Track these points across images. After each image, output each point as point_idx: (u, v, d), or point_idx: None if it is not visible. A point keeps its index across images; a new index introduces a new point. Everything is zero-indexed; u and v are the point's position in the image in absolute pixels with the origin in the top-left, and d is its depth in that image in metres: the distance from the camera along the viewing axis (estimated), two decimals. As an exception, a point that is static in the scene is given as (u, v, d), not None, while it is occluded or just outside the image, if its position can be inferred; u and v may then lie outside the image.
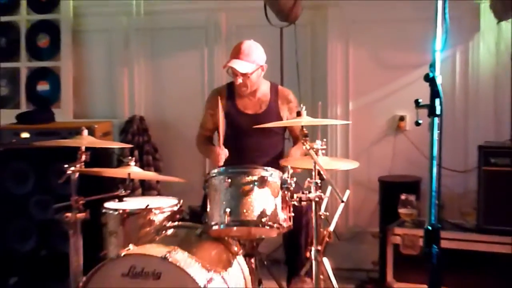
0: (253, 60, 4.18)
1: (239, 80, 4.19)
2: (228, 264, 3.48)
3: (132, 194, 4.10)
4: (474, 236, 4.17)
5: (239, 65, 4.15)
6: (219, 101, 4.16)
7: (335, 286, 3.60)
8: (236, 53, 4.21)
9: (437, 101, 2.16)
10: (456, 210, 4.81)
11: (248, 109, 4.35)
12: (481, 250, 4.12)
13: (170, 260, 3.10)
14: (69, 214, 3.77)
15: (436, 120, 2.15)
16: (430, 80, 2.17)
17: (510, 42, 4.76)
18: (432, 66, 2.18)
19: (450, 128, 4.87)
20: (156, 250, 3.23)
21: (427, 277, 2.08)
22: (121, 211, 3.78)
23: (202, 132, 4.52)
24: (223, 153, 4.15)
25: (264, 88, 4.37)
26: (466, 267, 4.12)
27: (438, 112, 2.15)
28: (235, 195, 3.41)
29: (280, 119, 4.30)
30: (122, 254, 3.20)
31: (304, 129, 3.49)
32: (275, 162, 4.01)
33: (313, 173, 3.45)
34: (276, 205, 3.45)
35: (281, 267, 4.57)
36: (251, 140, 4.26)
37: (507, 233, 4.07)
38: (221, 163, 4.09)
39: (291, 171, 3.54)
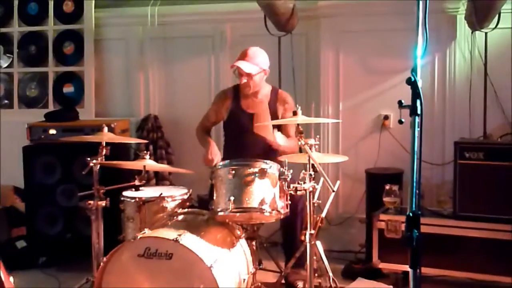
0: (257, 63, 4.19)
1: (244, 79, 4.19)
2: (232, 246, 3.48)
3: (147, 184, 4.09)
4: (450, 222, 4.15)
5: (244, 65, 4.15)
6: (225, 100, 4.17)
7: (326, 266, 3.60)
8: (243, 55, 4.22)
9: (418, 102, 2.14)
10: (434, 199, 4.81)
11: (250, 109, 4.35)
12: (456, 235, 4.11)
13: (180, 242, 3.10)
14: (91, 202, 3.78)
15: (417, 118, 2.13)
16: (411, 83, 2.16)
17: (483, 50, 4.75)
18: (414, 71, 2.16)
19: (429, 126, 4.86)
20: (168, 233, 3.23)
21: (408, 258, 2.06)
22: (137, 199, 3.78)
23: (204, 122, 4.53)
24: (216, 158, 4.17)
25: (265, 91, 4.37)
26: (443, 249, 4.10)
27: (419, 111, 2.14)
28: (238, 185, 3.41)
29: (277, 118, 4.30)
30: (138, 237, 3.20)
31: (300, 127, 3.49)
32: (272, 156, 4.01)
33: (308, 165, 3.45)
34: (274, 194, 3.45)
35: (278, 249, 4.57)
36: (251, 136, 4.26)
37: (479, 219, 4.05)
38: (211, 164, 4.10)
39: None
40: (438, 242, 4.10)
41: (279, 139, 3.99)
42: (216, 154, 4.21)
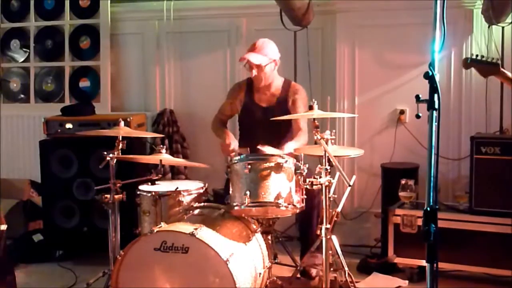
0: (266, 53, 4.18)
1: (254, 72, 4.19)
2: (248, 240, 3.49)
3: (163, 178, 4.10)
4: (466, 217, 4.14)
5: (253, 57, 4.15)
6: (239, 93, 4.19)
7: (342, 260, 3.60)
8: (251, 48, 4.24)
9: (435, 96, 2.14)
10: (450, 193, 4.80)
11: (263, 102, 4.36)
12: (472, 229, 4.10)
13: (197, 236, 3.11)
14: (108, 195, 3.81)
15: (435, 113, 2.13)
16: (429, 77, 2.15)
17: (500, 44, 4.72)
18: (431, 65, 2.15)
19: (446, 120, 4.83)
20: (184, 227, 3.25)
21: (423, 252, 2.06)
22: (153, 193, 3.80)
23: (219, 115, 4.52)
24: (233, 144, 4.16)
25: (277, 83, 4.36)
26: (459, 244, 4.09)
27: (436, 106, 2.13)
28: (254, 179, 3.42)
29: (288, 111, 4.29)
30: (155, 231, 3.22)
31: (316, 121, 3.49)
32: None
33: (323, 160, 3.45)
34: (290, 188, 3.46)
35: (294, 243, 4.58)
36: (265, 129, 4.26)
37: (495, 214, 4.04)
38: (228, 150, 4.10)
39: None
40: (454, 236, 4.09)
41: (271, 151, 3.91)
42: (233, 139, 4.20)
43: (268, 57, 4.19)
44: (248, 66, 4.22)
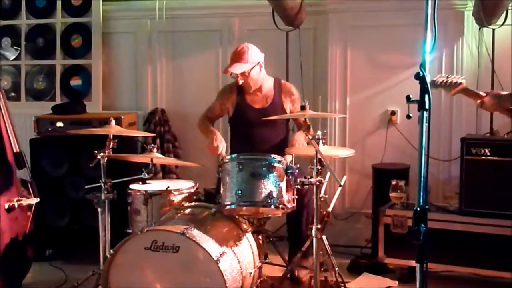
0: (247, 60, 4.16)
1: (240, 80, 4.20)
2: (239, 239, 3.50)
3: (154, 177, 4.10)
4: (456, 217, 4.16)
5: (235, 68, 4.15)
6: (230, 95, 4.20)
7: (332, 260, 3.61)
8: (233, 57, 4.21)
9: (426, 96, 2.15)
10: (441, 194, 4.82)
11: (256, 104, 4.36)
12: (462, 230, 4.12)
13: (187, 235, 3.12)
14: (98, 194, 3.80)
15: (425, 113, 2.14)
16: (420, 78, 2.17)
17: (490, 46, 4.74)
18: (422, 66, 2.17)
19: (436, 122, 4.85)
20: (175, 226, 3.26)
21: (414, 253, 2.07)
22: (144, 192, 3.80)
23: (208, 114, 4.51)
24: (221, 146, 4.15)
25: (268, 84, 4.37)
26: (449, 245, 4.11)
27: (427, 106, 2.15)
28: (245, 178, 3.43)
29: (284, 111, 4.31)
30: (145, 230, 3.22)
31: (307, 121, 3.50)
32: (280, 150, 4.02)
33: (314, 160, 3.46)
34: (281, 188, 3.46)
35: (285, 243, 4.58)
36: (258, 131, 4.27)
37: (485, 215, 4.06)
38: (216, 152, 4.10)
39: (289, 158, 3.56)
40: (444, 237, 4.11)
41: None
42: (221, 141, 4.18)
43: (250, 62, 4.18)
44: (234, 75, 4.22)
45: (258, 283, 3.64)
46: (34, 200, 4.11)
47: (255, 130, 4.29)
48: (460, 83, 3.69)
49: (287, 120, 4.44)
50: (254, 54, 4.21)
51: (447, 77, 3.76)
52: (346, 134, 5.18)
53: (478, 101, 3.85)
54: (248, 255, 3.51)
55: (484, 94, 3.69)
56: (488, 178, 4.09)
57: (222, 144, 4.16)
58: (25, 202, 4.04)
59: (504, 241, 3.99)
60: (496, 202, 4.05)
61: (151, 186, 3.89)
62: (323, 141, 3.52)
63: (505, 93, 3.67)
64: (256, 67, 4.21)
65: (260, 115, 4.21)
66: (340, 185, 3.39)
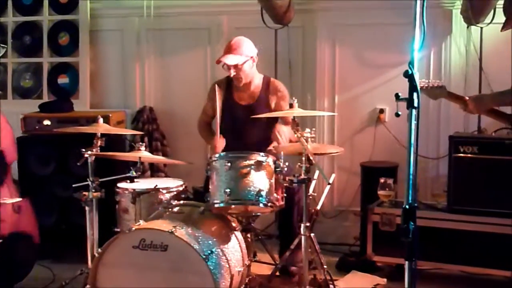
0: (241, 52, 4.18)
1: (232, 72, 4.19)
2: (227, 238, 3.50)
3: (142, 175, 4.09)
4: (444, 215, 4.17)
5: (229, 59, 4.15)
6: (217, 93, 4.18)
7: (321, 258, 3.62)
8: (227, 49, 4.23)
9: (415, 94, 2.16)
10: (429, 192, 4.84)
11: (243, 101, 4.36)
12: (450, 228, 4.13)
13: (176, 234, 3.11)
14: (86, 193, 3.79)
15: (414, 111, 2.15)
16: (409, 76, 2.17)
17: (478, 44, 4.76)
18: (411, 63, 2.17)
19: (425, 120, 4.87)
20: (163, 225, 3.24)
21: (402, 250, 2.08)
22: (132, 191, 3.79)
23: (203, 117, 4.54)
24: (222, 143, 4.16)
25: (257, 81, 4.37)
26: (437, 243, 4.13)
27: (416, 104, 2.15)
28: (234, 177, 3.42)
29: (270, 108, 4.30)
30: (133, 229, 3.21)
31: (296, 119, 3.50)
32: (267, 147, 4.02)
33: (303, 158, 3.46)
34: (270, 186, 3.46)
35: (273, 241, 4.59)
36: (245, 128, 4.27)
37: (473, 213, 4.08)
38: (219, 150, 4.10)
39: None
40: (432, 235, 4.12)
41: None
42: (221, 144, 4.18)
43: (244, 55, 4.19)
44: (226, 67, 4.22)
45: (247, 281, 3.64)
46: (11, 200, 4.05)
47: (242, 127, 4.28)
48: (442, 86, 3.74)
49: (276, 117, 4.44)
50: (249, 48, 4.22)
51: (428, 82, 3.82)
52: (335, 132, 5.19)
53: (461, 105, 3.92)
54: (236, 254, 3.51)
55: (466, 98, 3.73)
56: (476, 176, 4.10)
57: (222, 141, 4.18)
58: (6, 201, 3.99)
59: (492, 238, 4.01)
60: (484, 200, 4.07)
61: (139, 185, 3.87)
62: (312, 139, 3.52)
63: (486, 94, 3.72)
64: (249, 61, 4.21)
65: (247, 112, 4.22)
66: (329, 183, 3.40)
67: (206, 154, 4.53)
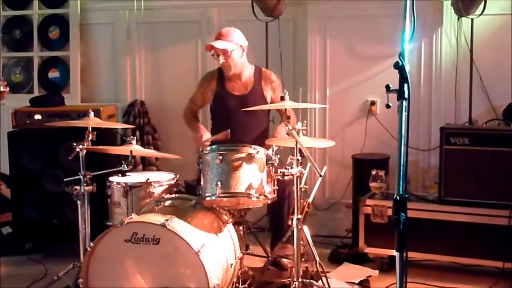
0: (231, 40, 4.17)
1: (221, 59, 4.18)
2: (219, 231, 3.49)
3: (133, 169, 4.07)
4: (436, 207, 4.19)
5: (218, 44, 4.15)
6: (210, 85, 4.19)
7: (313, 250, 3.62)
8: (217, 36, 4.24)
9: (405, 86, 2.16)
10: (420, 184, 4.86)
11: (235, 91, 4.35)
12: (441, 219, 4.15)
13: (168, 227, 3.10)
14: (77, 187, 3.77)
15: (404, 103, 2.15)
16: (399, 67, 2.17)
17: (469, 36, 4.76)
18: (401, 55, 2.17)
19: (416, 111, 4.88)
20: (155, 218, 3.23)
21: (394, 242, 2.08)
22: (124, 184, 3.78)
23: (191, 105, 4.52)
24: (205, 135, 4.16)
25: (249, 72, 4.36)
26: (428, 234, 4.14)
27: (406, 96, 2.15)
28: (225, 170, 3.42)
29: (264, 99, 4.30)
30: (125, 222, 3.20)
31: (287, 112, 3.50)
32: (260, 139, 4.02)
33: (295, 150, 3.46)
34: (262, 179, 3.46)
35: (265, 234, 4.59)
36: (239, 118, 4.26)
37: (464, 204, 4.10)
38: (201, 143, 4.10)
39: (275, 148, 3.56)
40: (423, 226, 4.14)
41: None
42: (205, 132, 4.22)
43: (233, 42, 4.18)
44: (215, 55, 4.21)
45: (239, 274, 3.64)
46: None
47: (235, 118, 4.26)
48: None
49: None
50: (239, 37, 4.22)
51: None
52: (326, 124, 5.18)
53: None
54: (229, 247, 3.51)
55: None
56: (467, 167, 4.12)
57: (206, 134, 4.17)
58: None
59: (483, 229, 4.03)
60: (475, 191, 4.09)
61: (131, 178, 3.86)
62: (303, 132, 3.52)
63: None
64: (238, 50, 4.20)
65: (240, 102, 4.21)
66: (321, 176, 3.39)
67: (198, 147, 4.51)
